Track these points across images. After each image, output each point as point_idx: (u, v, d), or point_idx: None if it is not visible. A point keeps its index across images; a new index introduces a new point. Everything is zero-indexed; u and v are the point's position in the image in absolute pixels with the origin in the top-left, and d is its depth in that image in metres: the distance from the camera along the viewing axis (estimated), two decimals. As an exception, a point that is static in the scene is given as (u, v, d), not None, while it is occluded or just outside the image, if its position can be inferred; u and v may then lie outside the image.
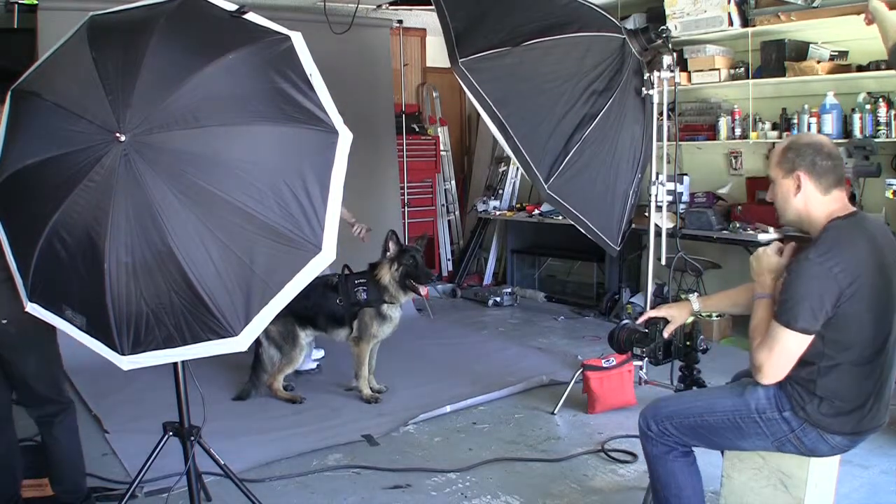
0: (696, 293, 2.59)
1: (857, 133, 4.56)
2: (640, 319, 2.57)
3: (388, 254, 4.07)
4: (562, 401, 3.91)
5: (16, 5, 5.03)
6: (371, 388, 4.16)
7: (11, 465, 2.69)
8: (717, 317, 5.04)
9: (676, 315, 2.50)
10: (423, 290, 4.12)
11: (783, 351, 2.02)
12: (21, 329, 2.45)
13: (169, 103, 1.93)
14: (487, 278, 7.22)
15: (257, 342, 4.09)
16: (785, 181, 2.13)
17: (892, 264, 2.10)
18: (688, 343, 2.49)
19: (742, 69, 5.18)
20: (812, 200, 2.10)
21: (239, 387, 4.22)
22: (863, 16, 3.23)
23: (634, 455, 3.28)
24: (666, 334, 2.48)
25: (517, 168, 6.91)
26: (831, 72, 4.73)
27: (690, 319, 2.53)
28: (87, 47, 2.04)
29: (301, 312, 4.03)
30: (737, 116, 5.29)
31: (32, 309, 2.11)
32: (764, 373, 2.06)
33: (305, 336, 4.14)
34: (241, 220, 1.96)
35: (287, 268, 2.02)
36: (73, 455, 2.74)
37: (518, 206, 6.82)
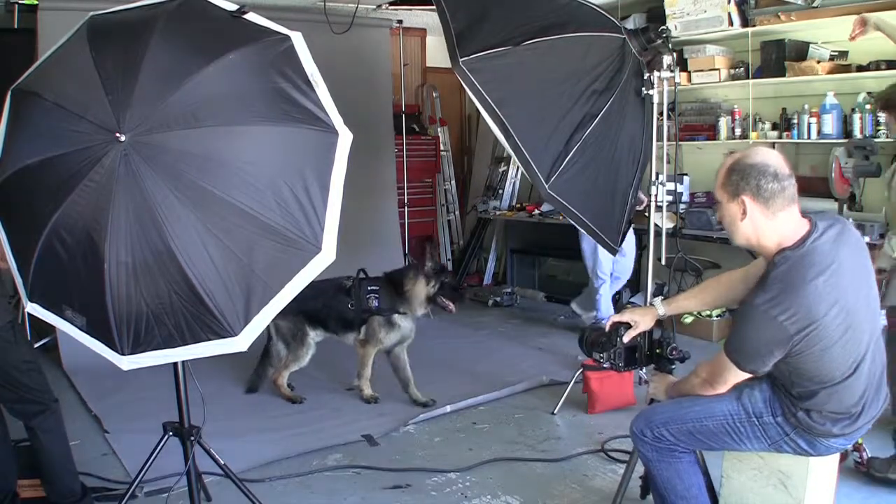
0: (661, 297, 2.51)
1: (857, 133, 4.56)
2: (607, 323, 2.50)
3: (426, 268, 3.98)
4: (562, 401, 3.91)
5: (16, 5, 5.02)
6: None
7: (5, 464, 2.69)
8: (717, 316, 5.03)
9: (640, 320, 2.42)
10: (452, 306, 4.07)
11: (734, 380, 2.12)
12: None
13: (169, 103, 1.93)
14: (487, 278, 7.22)
15: (267, 335, 4.11)
16: (730, 205, 2.02)
17: (860, 275, 2.03)
18: (657, 351, 2.42)
19: (742, 69, 5.18)
20: (760, 226, 2.00)
21: (244, 384, 4.26)
22: (852, 29, 3.25)
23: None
24: (626, 339, 2.40)
25: (517, 168, 6.91)
26: (831, 72, 4.73)
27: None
28: (87, 47, 2.03)
29: (312, 313, 4.04)
30: (737, 116, 5.29)
31: (33, 309, 2.11)
32: (716, 389, 2.17)
33: (315, 336, 4.14)
34: (240, 220, 1.96)
35: (287, 268, 2.02)
36: (60, 458, 2.73)
37: (518, 206, 6.81)
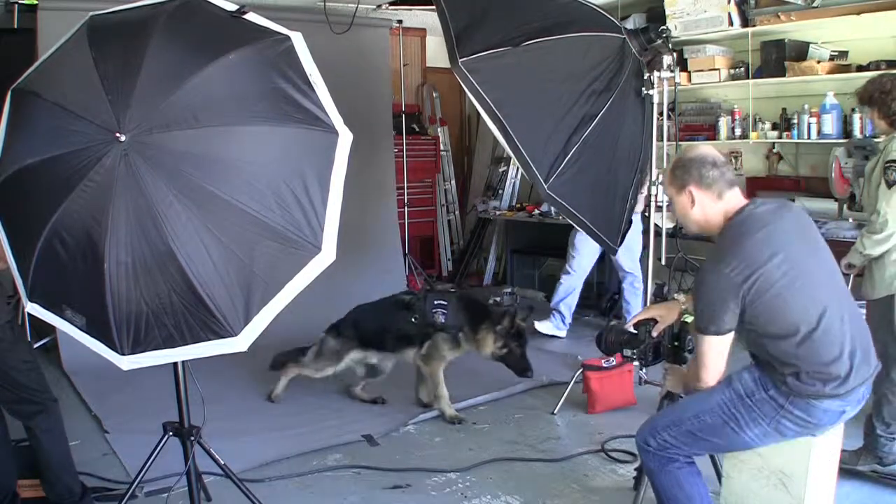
0: (682, 292, 2.61)
1: (857, 133, 4.56)
2: (630, 322, 2.58)
3: (500, 326, 3.76)
4: (562, 401, 3.91)
5: (16, 5, 5.02)
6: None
7: (5, 464, 2.69)
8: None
9: (665, 315, 2.51)
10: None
11: (711, 355, 2.16)
12: None
13: (169, 103, 1.93)
14: (487, 278, 7.22)
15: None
16: (680, 198, 2.24)
17: (805, 240, 2.18)
18: (676, 343, 2.48)
19: (742, 69, 5.18)
20: (708, 209, 2.21)
21: (262, 388, 4.20)
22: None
23: (634, 455, 3.27)
24: (655, 334, 2.49)
25: (517, 168, 6.91)
26: (831, 72, 4.73)
27: (690, 318, 2.53)
28: (87, 47, 2.04)
29: (368, 336, 3.92)
30: (737, 116, 5.29)
31: (33, 309, 2.11)
32: (705, 380, 2.19)
33: (367, 357, 3.99)
34: (240, 220, 1.97)
35: (287, 268, 2.02)
36: (59, 458, 2.73)
37: (518, 206, 6.82)
